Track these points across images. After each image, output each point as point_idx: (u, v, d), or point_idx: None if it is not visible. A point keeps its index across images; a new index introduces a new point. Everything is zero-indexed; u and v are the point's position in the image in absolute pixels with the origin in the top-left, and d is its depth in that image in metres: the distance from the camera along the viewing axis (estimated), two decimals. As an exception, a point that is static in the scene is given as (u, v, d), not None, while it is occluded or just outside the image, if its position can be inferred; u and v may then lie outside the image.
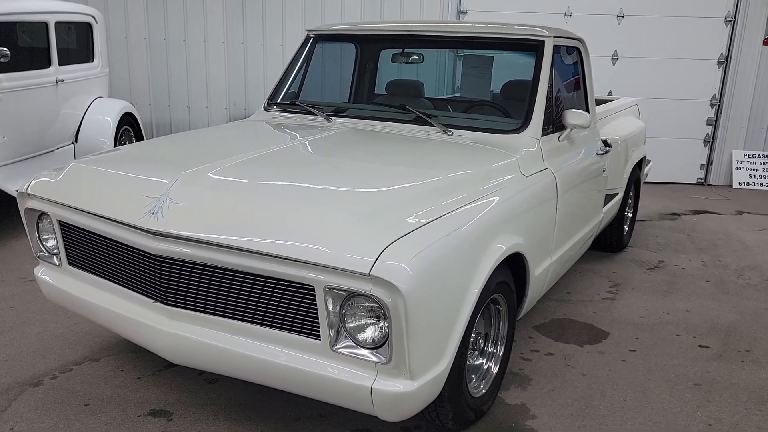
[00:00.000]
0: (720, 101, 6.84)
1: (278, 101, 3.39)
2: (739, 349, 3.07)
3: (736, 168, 6.95)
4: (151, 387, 2.53)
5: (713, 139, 6.97)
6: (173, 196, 2.03)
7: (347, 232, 1.81)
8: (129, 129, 5.91)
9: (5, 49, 4.26)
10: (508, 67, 3.51)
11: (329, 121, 3.09)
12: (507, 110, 3.09)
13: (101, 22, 5.69)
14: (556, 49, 3.08)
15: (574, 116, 2.94)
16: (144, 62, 7.25)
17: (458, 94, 5.47)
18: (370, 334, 1.82)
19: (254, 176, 2.16)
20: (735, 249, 4.68)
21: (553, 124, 2.97)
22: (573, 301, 3.60)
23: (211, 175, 2.13)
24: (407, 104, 3.04)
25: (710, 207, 6.01)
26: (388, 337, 1.77)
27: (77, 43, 5.41)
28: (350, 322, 1.82)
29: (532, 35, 2.99)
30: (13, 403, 2.39)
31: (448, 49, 5.79)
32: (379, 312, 1.79)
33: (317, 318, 1.84)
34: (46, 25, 4.84)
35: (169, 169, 2.19)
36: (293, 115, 3.25)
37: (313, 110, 3.18)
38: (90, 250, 2.28)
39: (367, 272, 1.70)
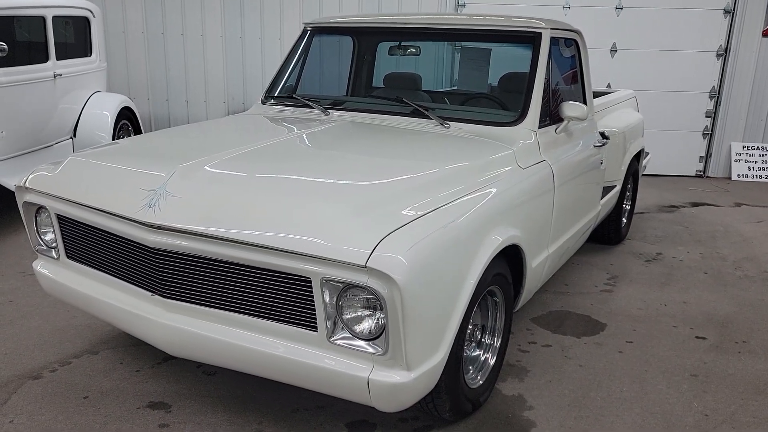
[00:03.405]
0: (719, 93, 6.83)
1: (276, 95, 3.39)
2: (735, 340, 3.09)
3: (735, 160, 6.95)
4: (150, 379, 2.54)
5: (712, 131, 6.97)
6: (170, 189, 2.03)
7: (344, 224, 1.82)
8: (127, 123, 5.91)
9: (3, 43, 4.25)
10: (506, 60, 3.51)
11: (326, 114, 3.09)
12: (504, 102, 3.09)
13: (99, 16, 5.68)
14: (554, 41, 3.08)
15: (571, 108, 2.94)
16: (142, 56, 7.23)
17: (456, 87, 5.47)
18: (366, 325, 1.83)
19: (251, 169, 2.16)
20: (733, 241, 4.69)
21: (550, 116, 2.97)
22: (571, 293, 3.61)
23: (207, 168, 2.14)
24: (404, 97, 3.04)
25: (709, 199, 6.01)
26: (384, 329, 1.78)
27: (75, 37, 5.40)
28: (347, 314, 1.83)
29: (528, 27, 2.98)
30: (13, 396, 2.41)
31: (445, 42, 5.78)
32: (375, 303, 1.80)
33: (314, 310, 1.85)
34: (43, 19, 4.83)
35: (166, 163, 2.19)
36: (290, 108, 3.25)
37: (310, 103, 3.18)
38: (88, 244, 2.29)
39: (364, 264, 1.71)
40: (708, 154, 7.05)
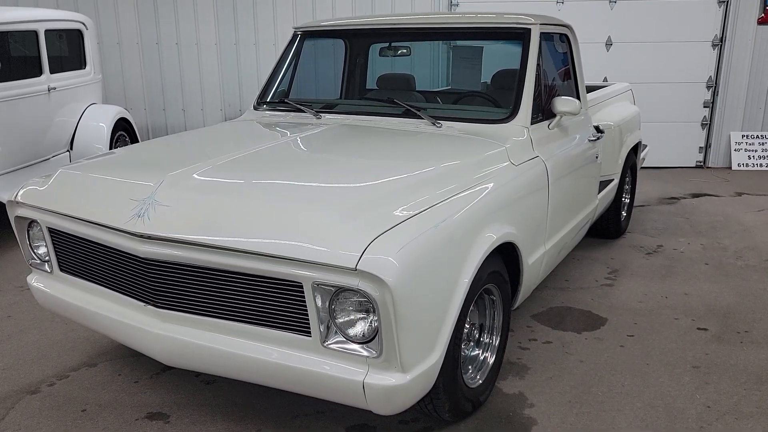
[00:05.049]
0: (716, 83, 6.80)
1: (268, 100, 3.38)
2: (737, 331, 3.06)
3: (735, 149, 6.92)
4: (149, 390, 2.53)
5: (711, 121, 6.93)
6: (159, 198, 2.02)
7: (334, 227, 1.81)
8: (124, 134, 5.92)
9: (-5, 59, 4.27)
10: (498, 57, 3.50)
11: (318, 118, 3.08)
12: (496, 100, 3.08)
13: (92, 29, 5.69)
14: (545, 36, 3.07)
15: (563, 103, 2.92)
16: (137, 67, 7.25)
17: (450, 86, 5.46)
18: (360, 328, 1.81)
19: (240, 175, 2.15)
20: (734, 231, 4.66)
21: (543, 112, 2.96)
22: (571, 289, 3.59)
23: (196, 176, 2.13)
24: (396, 98, 3.03)
25: (709, 190, 5.98)
26: (377, 331, 1.76)
27: (69, 50, 5.41)
28: (340, 318, 1.81)
29: (518, 23, 2.97)
30: (11, 412, 2.40)
31: (438, 42, 5.77)
32: (367, 306, 1.78)
33: (307, 315, 1.84)
34: (36, 33, 4.84)
35: (155, 172, 2.19)
36: (283, 113, 3.25)
37: (302, 107, 3.17)
38: (80, 256, 2.28)
39: (354, 267, 1.69)
40: (707, 145, 7.01)
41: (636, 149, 4.58)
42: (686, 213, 5.16)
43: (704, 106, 6.89)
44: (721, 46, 6.69)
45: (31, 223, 2.43)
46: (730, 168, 6.91)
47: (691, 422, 2.32)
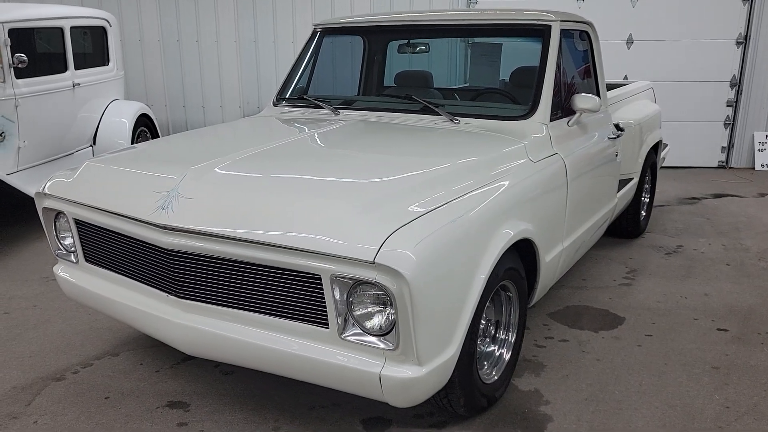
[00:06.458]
0: (740, 82, 6.70)
1: (287, 96, 3.42)
2: (758, 332, 3.02)
3: (759, 150, 6.81)
4: (169, 379, 2.58)
5: (734, 120, 6.83)
6: (182, 191, 2.07)
7: (353, 221, 1.83)
8: (145, 130, 6.01)
9: (23, 55, 4.36)
10: (518, 54, 3.49)
11: (337, 114, 3.11)
12: (514, 97, 3.08)
13: (115, 26, 5.78)
14: (565, 33, 3.06)
15: (583, 100, 2.91)
16: (158, 64, 7.35)
17: (468, 84, 5.44)
18: (377, 321, 1.84)
19: (261, 169, 2.19)
20: (757, 232, 4.60)
21: (562, 109, 2.95)
22: (588, 288, 3.57)
23: (218, 170, 2.16)
24: (414, 94, 3.04)
25: (731, 190, 5.89)
26: (394, 324, 1.78)
27: (92, 47, 5.51)
28: (357, 310, 1.84)
29: (538, 20, 2.96)
30: (37, 397, 2.47)
31: (456, 38, 5.76)
32: (385, 299, 1.80)
33: (325, 307, 1.86)
34: (61, 30, 4.94)
35: (178, 165, 2.23)
36: (302, 109, 3.28)
37: (320, 104, 3.20)
38: (105, 247, 2.33)
39: (372, 260, 1.71)
40: (730, 145, 6.91)
41: (656, 148, 4.53)
42: (707, 213, 5.10)
43: (727, 106, 6.79)
44: (745, 44, 6.59)
45: (58, 214, 2.49)
46: (753, 168, 6.80)
47: (710, 422, 2.30)
